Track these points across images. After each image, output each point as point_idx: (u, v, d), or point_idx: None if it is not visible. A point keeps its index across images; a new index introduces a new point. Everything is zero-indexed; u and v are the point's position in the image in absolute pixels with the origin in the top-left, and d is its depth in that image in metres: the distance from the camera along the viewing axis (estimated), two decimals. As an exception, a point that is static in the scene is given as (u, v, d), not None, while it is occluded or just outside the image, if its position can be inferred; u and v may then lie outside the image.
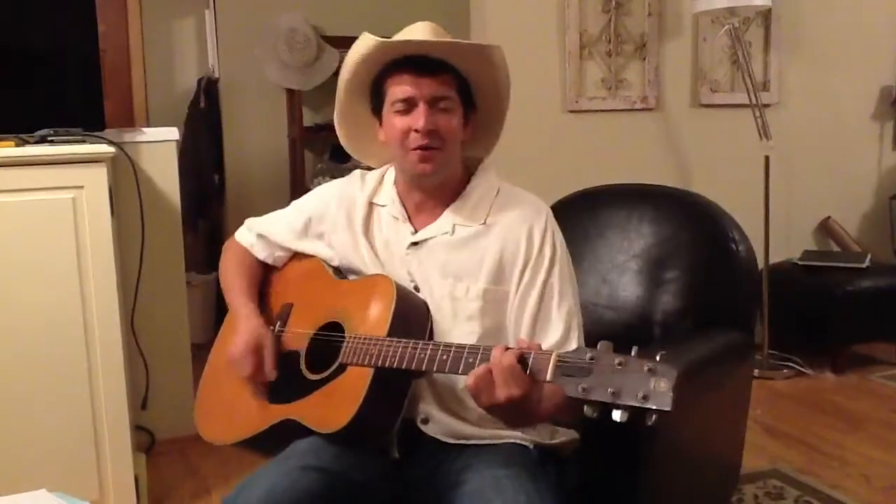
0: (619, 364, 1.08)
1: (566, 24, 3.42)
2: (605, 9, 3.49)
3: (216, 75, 4.33)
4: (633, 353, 1.09)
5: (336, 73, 4.19)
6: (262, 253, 1.67)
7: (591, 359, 1.11)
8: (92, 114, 2.35)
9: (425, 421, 1.43)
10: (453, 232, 1.48)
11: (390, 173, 1.59)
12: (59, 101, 2.36)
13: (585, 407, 1.09)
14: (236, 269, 1.67)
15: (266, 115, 4.42)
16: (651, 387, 1.05)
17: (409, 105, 1.43)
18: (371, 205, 1.57)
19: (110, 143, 2.25)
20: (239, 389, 1.55)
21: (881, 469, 2.61)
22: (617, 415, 1.07)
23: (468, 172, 1.55)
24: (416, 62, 1.43)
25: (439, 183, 1.50)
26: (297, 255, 1.67)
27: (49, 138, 2.18)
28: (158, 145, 2.72)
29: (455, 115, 1.45)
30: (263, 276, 1.69)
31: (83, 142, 2.21)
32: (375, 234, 1.55)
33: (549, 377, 1.15)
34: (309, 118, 4.42)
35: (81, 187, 2.13)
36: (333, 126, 1.60)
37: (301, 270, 1.65)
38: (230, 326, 1.63)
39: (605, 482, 1.47)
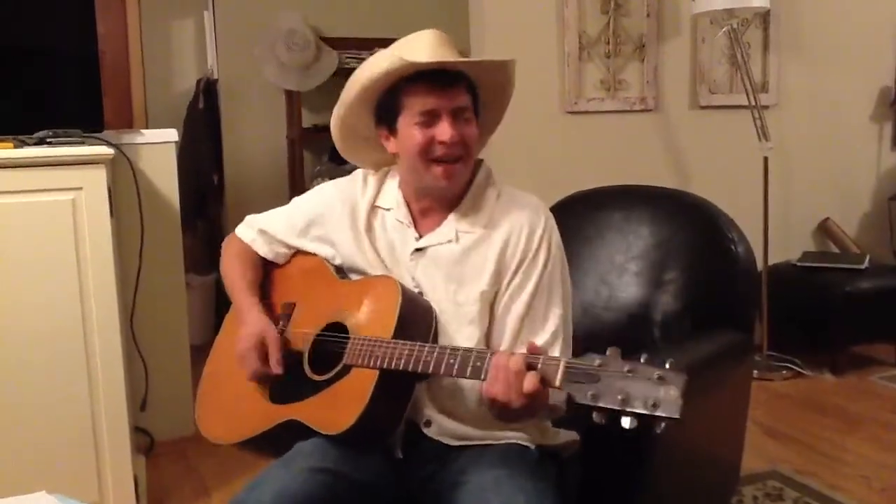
0: (629, 371, 1.08)
1: (565, 26, 3.42)
2: (604, 10, 3.49)
3: (215, 76, 4.32)
4: (641, 360, 1.10)
5: (335, 75, 4.21)
6: (263, 248, 1.67)
7: (600, 365, 1.11)
8: (91, 115, 2.35)
9: (428, 423, 1.43)
10: (458, 240, 1.49)
11: (392, 176, 1.59)
12: (58, 103, 2.36)
13: (594, 413, 1.10)
14: (238, 266, 1.66)
15: (265, 116, 4.42)
16: (661, 394, 1.05)
17: (431, 117, 1.42)
18: (374, 208, 1.57)
19: (109, 144, 2.24)
20: (241, 388, 1.55)
21: (880, 470, 2.61)
22: (626, 422, 1.07)
23: (471, 175, 1.55)
24: (434, 74, 1.42)
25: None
26: (299, 253, 1.66)
27: (48, 140, 2.18)
28: (157, 147, 2.73)
29: (474, 124, 1.46)
30: (265, 273, 1.68)
31: (82, 143, 2.21)
32: (378, 236, 1.55)
33: (558, 383, 1.16)
34: (308, 119, 4.42)
35: (80, 189, 2.13)
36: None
37: (303, 269, 1.65)
38: (233, 323, 1.63)
39: (605, 482, 1.48)
